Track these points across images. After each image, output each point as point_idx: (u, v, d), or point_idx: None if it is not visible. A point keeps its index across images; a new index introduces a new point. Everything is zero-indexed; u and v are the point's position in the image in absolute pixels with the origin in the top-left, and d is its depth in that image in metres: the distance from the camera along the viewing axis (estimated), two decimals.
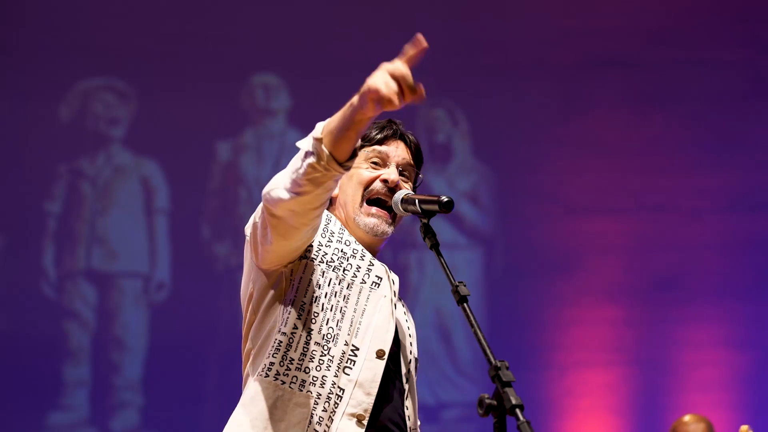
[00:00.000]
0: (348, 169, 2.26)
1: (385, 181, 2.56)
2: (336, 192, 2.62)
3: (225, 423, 2.51)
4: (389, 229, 2.56)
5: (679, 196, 6.28)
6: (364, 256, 2.50)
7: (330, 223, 2.53)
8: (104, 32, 6.13)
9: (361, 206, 2.56)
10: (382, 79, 2.12)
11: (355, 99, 2.20)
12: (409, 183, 2.62)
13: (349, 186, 2.60)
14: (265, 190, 2.35)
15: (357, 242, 2.53)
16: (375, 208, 2.55)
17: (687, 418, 4.74)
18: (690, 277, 6.21)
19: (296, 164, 2.28)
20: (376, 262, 2.51)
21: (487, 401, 2.05)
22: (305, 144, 2.26)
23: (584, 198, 6.27)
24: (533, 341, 6.13)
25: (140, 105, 6.16)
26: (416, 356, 2.62)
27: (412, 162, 2.63)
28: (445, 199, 2.42)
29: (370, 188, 2.57)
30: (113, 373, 5.95)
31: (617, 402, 6.10)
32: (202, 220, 6.12)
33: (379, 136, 2.62)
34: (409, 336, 2.58)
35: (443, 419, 6.07)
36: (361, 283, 2.47)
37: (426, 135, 6.28)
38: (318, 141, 2.23)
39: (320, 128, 2.24)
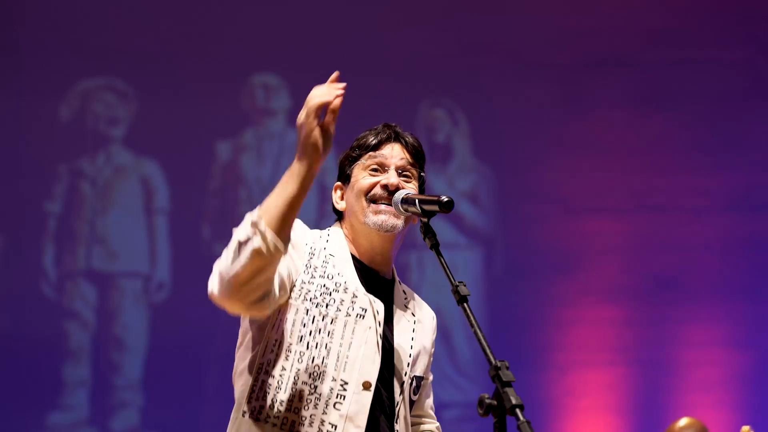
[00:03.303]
0: (286, 250, 2.26)
1: (385, 186, 2.55)
2: (343, 206, 2.63)
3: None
4: (399, 222, 2.54)
5: (679, 196, 6.28)
6: (347, 288, 2.48)
7: (313, 257, 2.50)
8: (104, 32, 6.13)
9: (368, 207, 2.55)
10: (307, 104, 2.20)
11: (293, 167, 2.21)
12: (413, 182, 2.60)
13: (352, 196, 2.59)
14: (210, 289, 2.29)
15: (340, 274, 2.50)
16: (383, 205, 2.54)
17: (683, 422, 4.70)
18: (690, 277, 6.21)
19: (228, 258, 2.23)
20: (359, 293, 2.48)
21: (487, 401, 2.05)
22: (240, 233, 2.21)
23: (584, 198, 6.27)
24: (533, 341, 6.12)
25: (140, 105, 6.16)
26: (417, 375, 2.60)
27: (411, 161, 2.61)
28: (445, 199, 2.41)
29: (371, 194, 2.56)
30: (113, 373, 5.95)
31: (617, 402, 6.10)
32: (202, 220, 6.12)
33: (374, 142, 2.61)
34: (409, 356, 2.56)
35: (443, 419, 6.03)
36: (346, 316, 2.45)
37: (426, 135, 6.27)
38: (256, 223, 2.19)
39: (254, 213, 2.22)
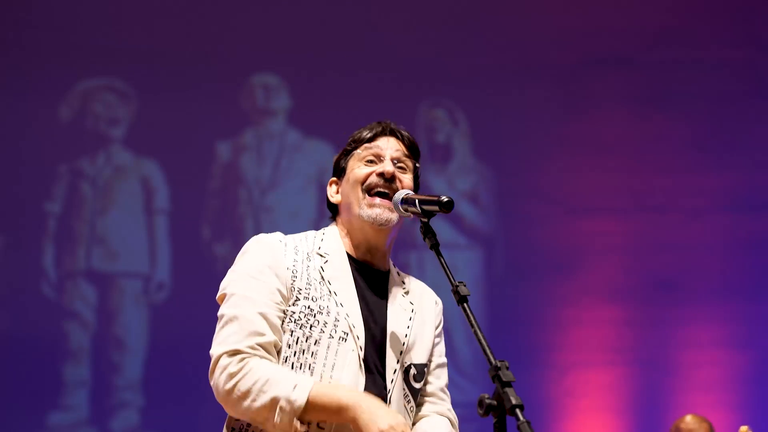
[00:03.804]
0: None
1: (381, 174, 2.58)
2: (339, 198, 2.65)
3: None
4: (393, 216, 2.56)
5: (679, 196, 6.29)
6: (330, 311, 2.49)
7: (296, 279, 2.51)
8: (104, 32, 6.13)
9: (363, 199, 2.57)
10: None
11: (346, 412, 2.32)
12: (408, 173, 2.62)
13: (347, 187, 2.62)
14: (226, 388, 2.42)
15: (321, 297, 2.51)
16: (378, 198, 2.56)
17: (688, 418, 4.72)
18: (690, 278, 6.21)
19: (248, 405, 2.37)
20: (341, 318, 2.49)
21: (487, 401, 2.05)
22: (283, 415, 2.32)
23: (584, 198, 6.27)
24: (533, 341, 6.12)
25: (140, 105, 6.16)
26: (417, 362, 2.59)
27: (406, 152, 2.64)
28: (445, 199, 2.42)
29: (367, 183, 2.58)
30: (113, 373, 5.95)
31: (617, 402, 6.10)
32: (202, 220, 6.12)
33: (369, 135, 2.64)
34: (403, 344, 2.56)
35: None
36: (329, 338, 2.47)
37: (426, 135, 6.28)
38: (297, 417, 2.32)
39: (303, 398, 2.32)
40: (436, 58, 6.26)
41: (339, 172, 2.68)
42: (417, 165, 2.67)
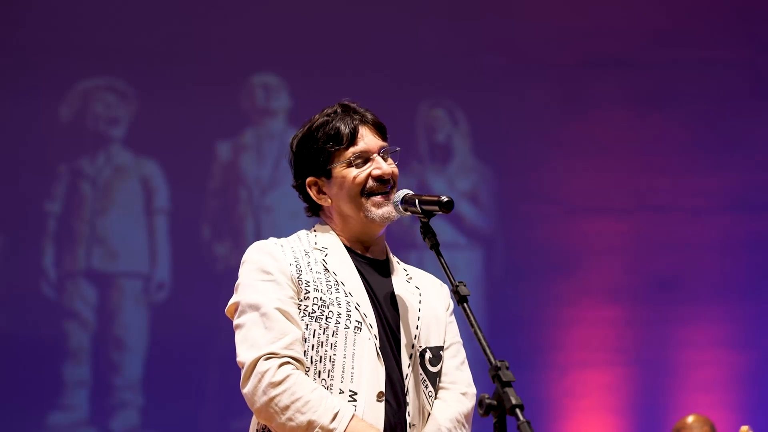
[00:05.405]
0: None
1: (379, 177, 2.56)
2: (329, 202, 2.61)
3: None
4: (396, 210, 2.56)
5: (679, 196, 6.28)
6: (340, 303, 2.49)
7: (302, 273, 2.50)
8: (104, 32, 6.13)
9: (367, 202, 2.55)
10: None
11: None
12: (390, 159, 2.61)
13: (342, 195, 2.58)
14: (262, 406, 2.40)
15: (329, 289, 2.50)
16: (379, 196, 2.55)
17: (690, 419, 4.68)
18: (690, 277, 6.21)
19: (280, 419, 2.37)
20: (352, 308, 2.48)
21: (487, 401, 2.05)
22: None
23: (584, 198, 6.27)
24: (533, 341, 6.12)
25: (140, 105, 6.16)
26: (433, 345, 2.58)
27: (383, 139, 2.62)
28: (445, 199, 2.42)
29: (367, 188, 2.56)
30: (113, 373, 5.95)
31: (617, 402, 6.10)
32: (202, 220, 6.12)
33: (346, 131, 2.59)
34: (416, 327, 2.54)
35: None
36: (345, 328, 2.46)
37: (426, 135, 6.28)
38: None
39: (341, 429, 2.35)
40: (436, 58, 6.26)
41: (318, 170, 2.63)
42: (397, 149, 2.63)
